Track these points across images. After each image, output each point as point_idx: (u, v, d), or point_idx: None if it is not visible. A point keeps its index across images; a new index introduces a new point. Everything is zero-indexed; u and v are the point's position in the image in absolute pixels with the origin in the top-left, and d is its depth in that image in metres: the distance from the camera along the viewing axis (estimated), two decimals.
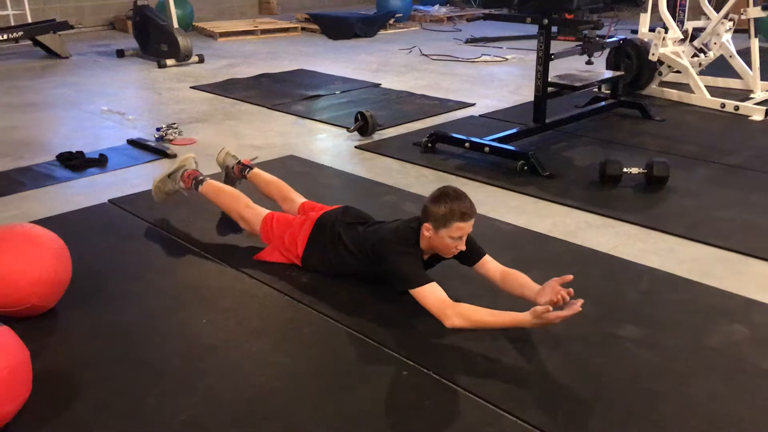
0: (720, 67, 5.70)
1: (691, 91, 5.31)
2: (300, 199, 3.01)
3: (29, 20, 7.82)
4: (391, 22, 9.24)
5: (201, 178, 3.08)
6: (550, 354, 2.26)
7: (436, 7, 10.36)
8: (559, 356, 2.25)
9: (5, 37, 7.06)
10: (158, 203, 3.23)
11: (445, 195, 2.40)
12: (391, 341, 2.30)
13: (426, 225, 2.42)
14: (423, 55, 7.46)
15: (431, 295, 2.36)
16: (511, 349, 2.28)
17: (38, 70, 6.81)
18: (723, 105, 5.13)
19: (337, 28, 8.73)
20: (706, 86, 5.30)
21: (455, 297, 2.44)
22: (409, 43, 8.13)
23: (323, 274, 2.70)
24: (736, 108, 5.06)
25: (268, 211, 2.88)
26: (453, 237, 2.40)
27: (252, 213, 2.89)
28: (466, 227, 2.40)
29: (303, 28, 9.13)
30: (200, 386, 2.10)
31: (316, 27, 9.04)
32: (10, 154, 4.26)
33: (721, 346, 2.30)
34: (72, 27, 7.68)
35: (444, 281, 2.45)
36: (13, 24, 7.73)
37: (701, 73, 5.54)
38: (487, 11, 4.48)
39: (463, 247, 2.45)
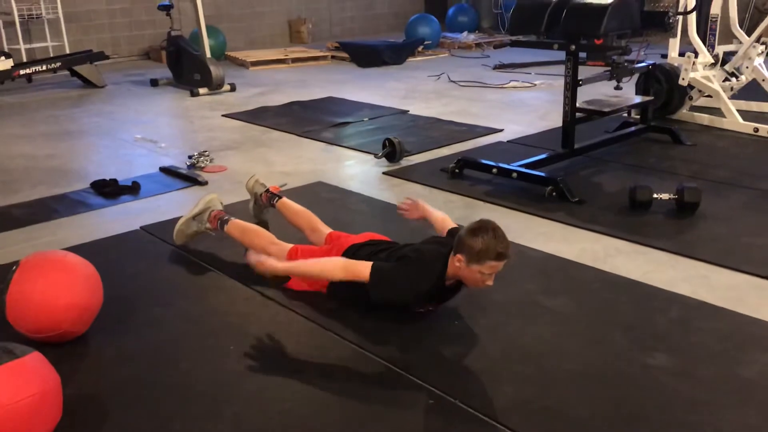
0: (752, 91, 5.63)
1: (723, 116, 5.25)
2: (327, 230, 3.03)
3: (67, 51, 8.05)
4: (420, 49, 9.31)
5: (226, 218, 3.12)
6: (580, 383, 2.23)
7: (465, 33, 10.42)
8: (589, 386, 2.22)
9: (44, 68, 7.27)
10: (179, 245, 3.26)
11: (483, 231, 2.36)
12: (418, 369, 2.29)
13: (458, 257, 2.40)
14: (451, 81, 7.50)
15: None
16: (539, 377, 2.25)
17: (75, 99, 6.99)
18: (756, 129, 5.06)
19: (366, 56, 8.83)
20: (738, 110, 5.23)
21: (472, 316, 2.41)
22: (438, 69, 8.18)
23: (349, 302, 2.70)
24: None
25: (292, 245, 2.90)
26: (484, 273, 2.38)
27: (277, 249, 2.91)
28: (500, 266, 2.39)
29: (333, 57, 9.24)
30: (227, 412, 2.11)
31: (345, 55, 9.15)
32: (46, 182, 4.36)
33: (755, 376, 2.24)
34: (108, 57, 7.89)
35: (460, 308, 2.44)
36: (52, 55, 7.96)
37: (733, 97, 5.48)
38: (514, 38, 4.49)
39: (491, 283, 2.42)
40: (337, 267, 2.53)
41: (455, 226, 2.77)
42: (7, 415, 1.82)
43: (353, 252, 2.71)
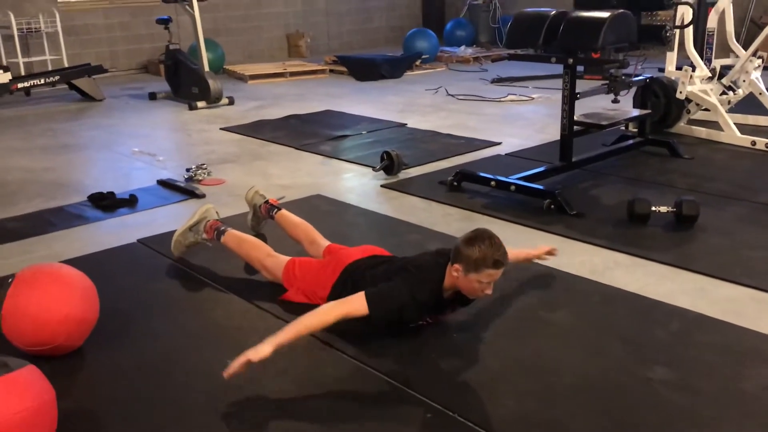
0: (750, 104, 5.64)
1: (720, 129, 5.26)
2: (326, 243, 3.01)
3: (66, 65, 8.06)
4: (418, 63, 9.33)
5: (223, 228, 3.11)
6: (578, 397, 2.21)
7: (463, 47, 10.45)
8: (588, 399, 2.20)
9: (43, 81, 7.27)
10: (177, 256, 3.25)
11: (479, 239, 2.36)
12: (416, 382, 2.28)
13: (456, 266, 2.39)
14: (449, 95, 7.51)
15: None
16: (539, 391, 2.24)
17: (73, 112, 6.99)
18: (753, 142, 5.06)
19: (364, 69, 8.85)
20: (735, 124, 5.24)
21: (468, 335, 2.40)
22: (436, 83, 8.19)
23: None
24: None
25: (289, 258, 2.89)
26: (482, 282, 2.38)
27: (273, 261, 2.90)
28: (497, 274, 2.38)
29: (331, 70, 9.26)
30: (223, 427, 2.09)
31: (343, 69, 9.16)
32: (43, 195, 4.35)
33: (756, 390, 2.23)
34: (106, 71, 7.88)
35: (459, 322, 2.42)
36: (50, 68, 7.97)
37: (730, 110, 5.49)
38: (512, 51, 4.50)
39: (490, 292, 2.42)
40: (330, 312, 2.37)
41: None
42: (0, 429, 1.80)
43: (352, 269, 2.69)
